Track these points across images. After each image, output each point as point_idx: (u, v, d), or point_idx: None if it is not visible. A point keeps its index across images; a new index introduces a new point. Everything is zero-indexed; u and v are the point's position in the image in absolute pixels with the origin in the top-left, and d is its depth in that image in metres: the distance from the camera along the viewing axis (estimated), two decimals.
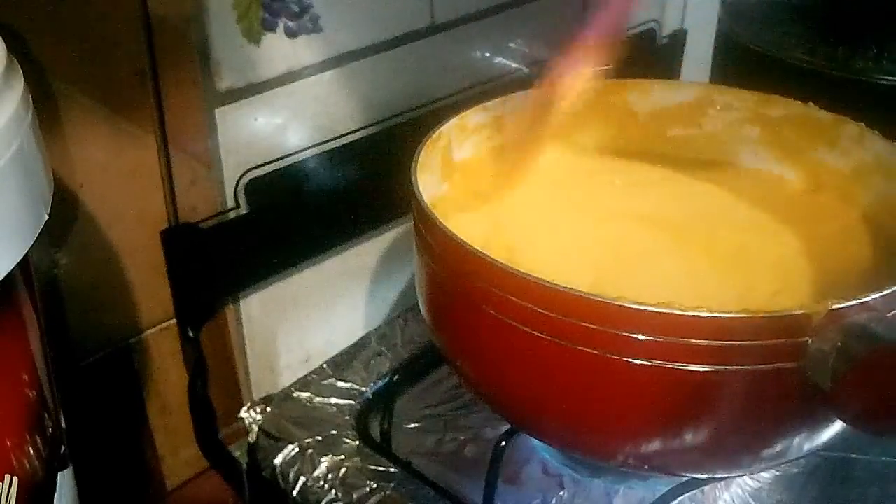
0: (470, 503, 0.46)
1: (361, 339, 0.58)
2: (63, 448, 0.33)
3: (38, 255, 0.32)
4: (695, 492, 0.45)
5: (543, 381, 0.38)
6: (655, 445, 0.38)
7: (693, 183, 0.51)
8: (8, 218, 0.26)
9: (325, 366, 0.56)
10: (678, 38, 0.74)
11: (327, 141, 0.51)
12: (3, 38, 0.29)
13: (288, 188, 0.50)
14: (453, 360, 0.45)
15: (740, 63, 0.66)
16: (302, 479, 0.48)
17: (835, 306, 0.33)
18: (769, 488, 0.47)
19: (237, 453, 0.53)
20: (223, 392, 0.52)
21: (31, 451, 0.30)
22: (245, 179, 0.48)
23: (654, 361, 0.34)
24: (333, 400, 0.53)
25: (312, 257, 0.54)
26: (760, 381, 0.34)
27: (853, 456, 0.49)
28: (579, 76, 0.46)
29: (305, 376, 0.55)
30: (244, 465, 0.52)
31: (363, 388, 0.54)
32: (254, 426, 0.52)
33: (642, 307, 0.33)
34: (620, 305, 0.34)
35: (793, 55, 0.62)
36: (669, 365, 0.34)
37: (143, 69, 0.42)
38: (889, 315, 0.34)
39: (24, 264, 0.28)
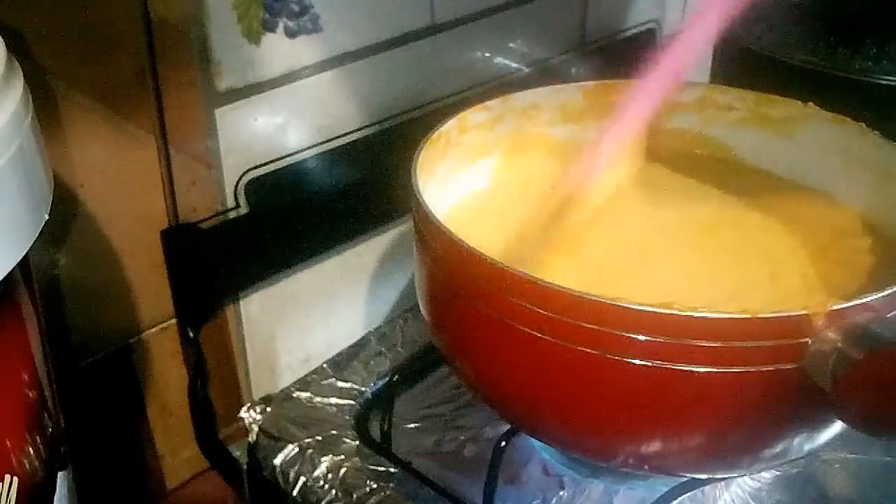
0: (470, 503, 0.46)
1: (361, 339, 0.58)
2: (63, 448, 0.33)
3: (38, 255, 0.32)
4: (695, 492, 0.45)
5: (543, 381, 0.38)
6: (655, 446, 0.38)
7: (691, 182, 0.51)
8: (8, 218, 0.26)
9: (325, 366, 0.56)
10: None
11: (327, 141, 0.51)
12: (3, 38, 0.29)
13: (288, 188, 0.50)
14: (453, 360, 0.45)
15: (740, 63, 0.66)
16: (302, 479, 0.48)
17: (835, 307, 0.33)
18: (769, 488, 0.47)
19: (237, 453, 0.53)
20: (223, 392, 0.52)
21: (31, 451, 0.30)
22: (245, 179, 0.48)
23: (654, 362, 0.34)
24: (333, 400, 0.53)
25: (312, 257, 0.54)
26: (760, 381, 0.34)
27: (853, 456, 0.49)
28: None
29: (305, 376, 0.55)
30: (244, 465, 0.52)
31: (363, 388, 0.54)
32: (254, 426, 0.52)
33: (642, 307, 0.33)
34: (620, 305, 0.34)
35: (793, 55, 0.62)
36: (669, 365, 0.34)
37: (143, 69, 0.42)
38: (889, 315, 0.34)
39: (24, 264, 0.28)
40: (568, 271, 0.41)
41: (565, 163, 0.49)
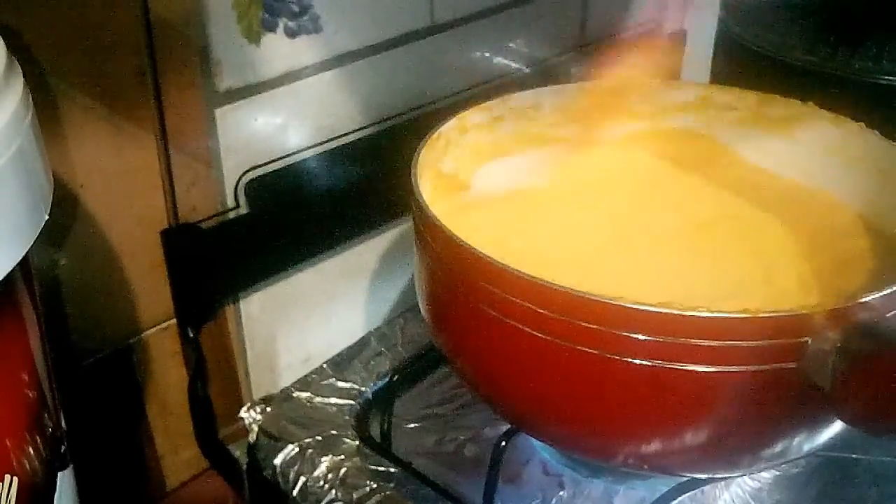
0: (470, 503, 0.46)
1: (361, 339, 0.58)
2: (63, 448, 0.33)
3: (38, 255, 0.32)
4: (695, 492, 0.45)
5: (543, 381, 0.38)
6: (655, 445, 0.38)
7: (692, 181, 0.51)
8: (8, 218, 0.25)
9: (325, 366, 0.56)
10: (678, 38, 0.74)
11: (327, 141, 0.51)
12: (3, 38, 0.29)
13: (288, 188, 0.50)
14: (453, 360, 0.45)
15: (740, 63, 0.66)
16: (302, 479, 0.48)
17: (835, 306, 0.33)
18: (769, 488, 0.47)
19: (237, 453, 0.53)
20: (223, 392, 0.52)
21: (31, 451, 0.30)
22: (245, 179, 0.48)
23: (654, 361, 0.34)
24: (333, 400, 0.53)
25: (312, 257, 0.54)
26: (760, 381, 0.34)
27: (853, 456, 0.49)
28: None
29: (305, 376, 0.55)
30: (244, 465, 0.52)
31: (363, 388, 0.54)
32: (254, 426, 0.52)
33: (642, 307, 0.33)
34: (620, 305, 0.34)
35: (793, 55, 0.62)
36: (669, 365, 0.34)
37: (143, 69, 0.42)
38: (889, 315, 0.34)
39: (24, 264, 0.28)
40: (562, 266, 0.41)
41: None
